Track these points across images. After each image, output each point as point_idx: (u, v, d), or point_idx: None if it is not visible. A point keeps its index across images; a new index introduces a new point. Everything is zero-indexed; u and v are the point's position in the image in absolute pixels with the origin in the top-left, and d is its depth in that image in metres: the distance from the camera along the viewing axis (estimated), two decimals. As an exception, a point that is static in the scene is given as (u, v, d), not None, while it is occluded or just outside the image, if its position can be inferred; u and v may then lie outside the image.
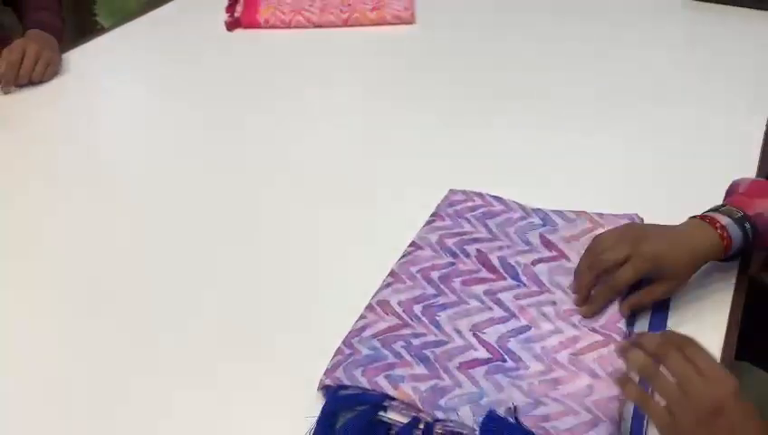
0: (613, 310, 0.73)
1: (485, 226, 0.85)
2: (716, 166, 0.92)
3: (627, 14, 1.45)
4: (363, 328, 0.72)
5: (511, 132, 1.08)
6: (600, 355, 0.69)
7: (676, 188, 0.91)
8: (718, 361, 0.57)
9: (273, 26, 1.45)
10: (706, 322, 0.73)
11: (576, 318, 0.73)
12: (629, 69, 1.25)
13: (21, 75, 1.22)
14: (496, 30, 1.42)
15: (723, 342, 0.71)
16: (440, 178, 0.95)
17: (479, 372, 0.67)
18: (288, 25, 1.45)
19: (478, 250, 0.81)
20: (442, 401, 0.64)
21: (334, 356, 0.69)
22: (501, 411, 0.62)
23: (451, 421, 0.62)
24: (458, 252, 0.81)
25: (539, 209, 0.87)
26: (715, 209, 0.75)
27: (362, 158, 1.05)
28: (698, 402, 0.52)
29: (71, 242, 0.90)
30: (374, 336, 0.71)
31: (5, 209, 0.96)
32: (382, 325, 0.72)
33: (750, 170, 0.94)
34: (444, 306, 0.74)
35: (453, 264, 0.80)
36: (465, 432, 0.62)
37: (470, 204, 0.88)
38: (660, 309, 0.74)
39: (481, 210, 0.87)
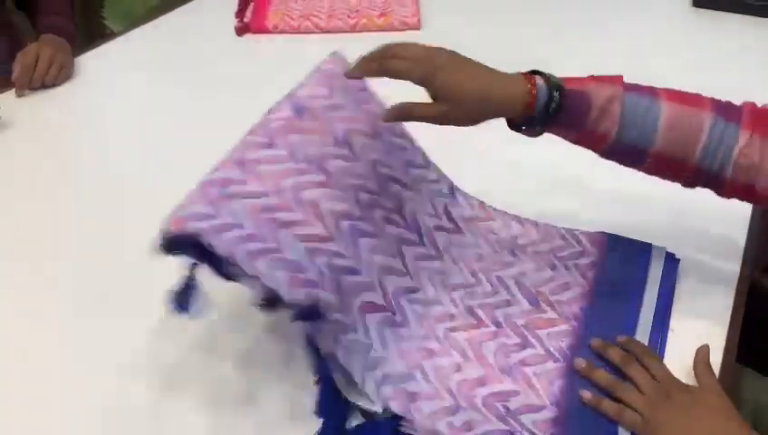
0: (520, 309, 0.73)
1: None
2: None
3: (632, 21, 1.47)
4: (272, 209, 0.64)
5: (513, 135, 1.09)
6: (471, 336, 0.70)
7: (678, 191, 0.92)
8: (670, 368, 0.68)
9: (282, 31, 1.46)
10: (708, 326, 0.74)
11: (457, 293, 0.74)
12: (634, 75, 1.25)
13: (35, 79, 1.24)
14: (500, 37, 1.43)
15: (724, 346, 0.72)
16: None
17: (374, 319, 0.67)
18: (297, 31, 1.46)
19: (398, 192, 0.78)
20: (343, 338, 0.64)
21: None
22: (379, 374, 0.63)
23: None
24: (382, 186, 0.76)
25: (448, 180, 0.85)
26: (543, 73, 0.72)
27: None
28: (653, 395, 0.64)
29: (78, 243, 0.91)
30: (303, 240, 0.64)
31: (16, 210, 0.98)
32: (312, 231, 0.65)
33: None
34: (365, 233, 0.70)
35: (378, 194, 0.75)
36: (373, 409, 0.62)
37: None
38: (664, 309, 0.75)
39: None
